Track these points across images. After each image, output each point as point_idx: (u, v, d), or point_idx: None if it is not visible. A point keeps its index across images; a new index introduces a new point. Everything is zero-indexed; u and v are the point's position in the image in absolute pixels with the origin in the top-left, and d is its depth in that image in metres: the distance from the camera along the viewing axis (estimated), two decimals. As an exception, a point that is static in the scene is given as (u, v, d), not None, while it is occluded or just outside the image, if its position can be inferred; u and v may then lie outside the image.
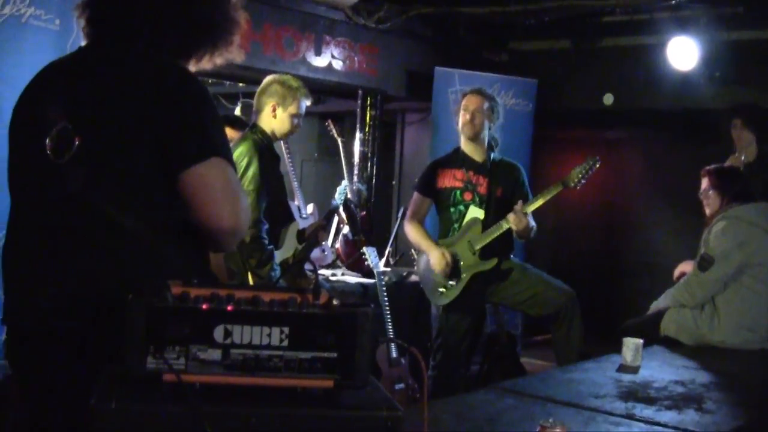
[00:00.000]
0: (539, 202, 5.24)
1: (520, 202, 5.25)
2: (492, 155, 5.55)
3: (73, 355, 2.07)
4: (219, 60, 2.37)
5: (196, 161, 2.06)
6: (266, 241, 4.63)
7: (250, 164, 4.56)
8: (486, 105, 5.47)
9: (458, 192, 5.51)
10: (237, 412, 1.68)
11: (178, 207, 2.11)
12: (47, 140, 2.10)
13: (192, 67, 2.33)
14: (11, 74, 4.11)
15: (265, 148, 4.73)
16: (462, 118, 5.50)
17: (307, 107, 4.90)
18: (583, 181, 5.24)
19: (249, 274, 4.54)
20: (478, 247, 5.38)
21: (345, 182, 7.23)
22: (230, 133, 5.45)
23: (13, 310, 2.20)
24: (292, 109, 4.78)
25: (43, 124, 2.12)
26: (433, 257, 5.43)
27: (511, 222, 5.22)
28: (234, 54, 2.37)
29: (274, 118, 4.78)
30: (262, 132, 4.78)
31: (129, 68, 2.15)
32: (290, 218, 5.06)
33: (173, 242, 2.14)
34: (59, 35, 4.49)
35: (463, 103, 5.52)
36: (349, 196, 7.03)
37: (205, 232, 2.15)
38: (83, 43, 2.32)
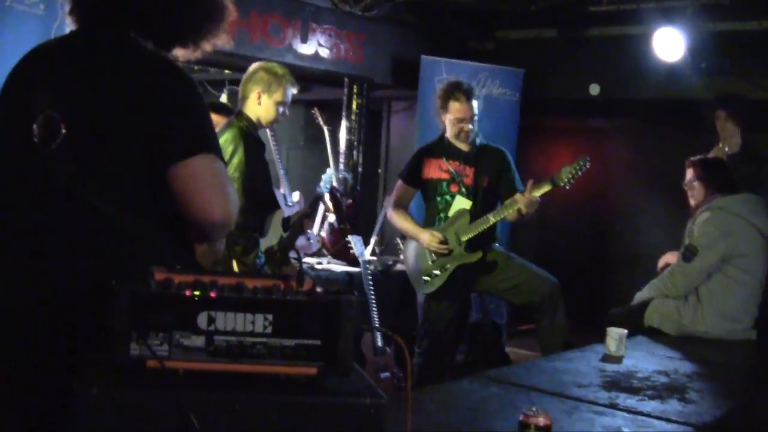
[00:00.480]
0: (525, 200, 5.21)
1: (530, 183, 5.19)
2: (478, 141, 5.53)
3: (59, 344, 2.06)
4: (207, 47, 2.35)
5: (186, 156, 2.07)
6: (251, 229, 4.62)
7: (235, 152, 4.54)
8: (475, 105, 5.43)
9: (444, 183, 5.50)
10: (221, 399, 1.68)
11: (164, 198, 2.10)
12: (34, 128, 2.08)
13: (181, 54, 2.32)
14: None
15: (250, 135, 4.71)
16: (455, 127, 5.42)
17: (293, 95, 4.88)
18: (572, 181, 5.21)
19: (234, 261, 4.53)
20: (464, 239, 5.38)
21: (330, 170, 7.20)
22: (216, 119, 5.42)
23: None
24: (277, 96, 4.76)
25: (29, 112, 2.11)
26: (425, 239, 5.42)
27: (522, 204, 5.16)
28: (222, 40, 2.36)
29: (259, 106, 4.76)
30: (248, 119, 4.76)
31: (119, 58, 2.14)
32: (275, 206, 5.05)
33: (159, 232, 2.14)
34: (44, 20, 4.46)
35: (454, 114, 5.40)
36: (334, 184, 7.02)
37: (194, 224, 2.16)
38: (69, 28, 2.30)
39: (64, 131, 2.05)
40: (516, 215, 5.27)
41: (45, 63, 2.22)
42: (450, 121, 5.45)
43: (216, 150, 2.16)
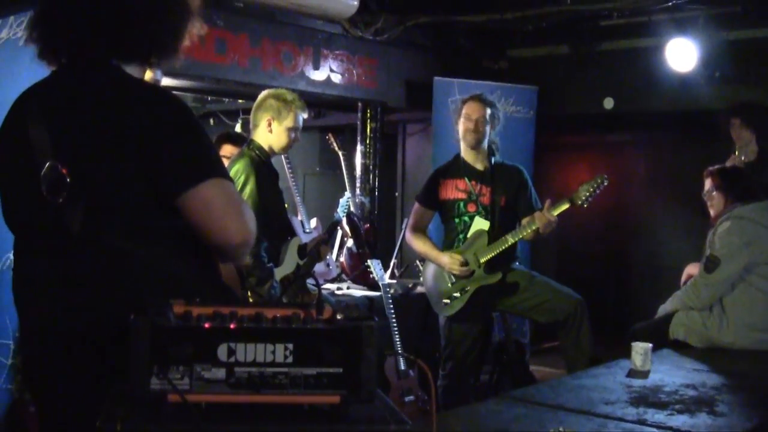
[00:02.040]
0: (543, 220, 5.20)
1: (547, 202, 5.20)
2: (493, 160, 5.53)
3: (88, 379, 2.07)
4: (187, 43, 2.31)
5: (195, 183, 2.06)
6: (265, 259, 4.60)
7: (247, 181, 4.53)
8: (488, 112, 5.45)
9: (462, 204, 5.49)
10: (243, 431, 1.66)
11: (182, 227, 2.10)
12: (41, 181, 2.07)
13: (165, 64, 2.30)
14: (8, 97, 4.08)
15: (262, 164, 4.71)
16: (464, 125, 5.46)
17: (304, 120, 4.88)
18: (590, 199, 5.20)
19: (249, 292, 4.51)
20: (483, 260, 5.35)
21: (347, 195, 7.20)
22: (231, 149, 5.43)
23: (29, 335, 2.20)
24: (287, 122, 4.75)
25: (31, 161, 2.09)
26: (445, 262, 5.40)
27: (537, 222, 5.17)
28: (197, 27, 2.32)
29: (270, 133, 4.77)
30: (259, 148, 4.76)
31: (112, 94, 2.12)
32: (290, 234, 5.04)
33: (182, 262, 2.13)
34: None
35: (465, 111, 5.47)
36: (351, 208, 7.01)
37: (215, 249, 2.15)
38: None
39: (68, 180, 2.05)
40: (533, 234, 5.26)
41: (40, 106, 2.18)
42: (461, 123, 5.46)
43: (223, 173, 2.13)
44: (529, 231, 5.23)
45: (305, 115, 4.87)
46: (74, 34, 2.18)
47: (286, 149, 4.90)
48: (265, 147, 4.77)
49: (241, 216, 2.13)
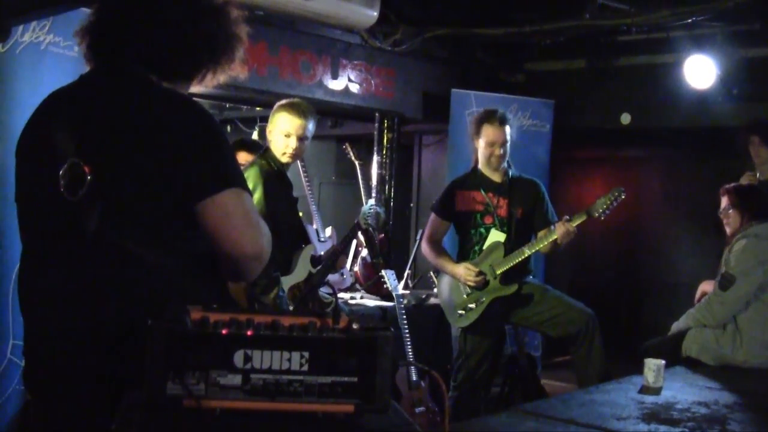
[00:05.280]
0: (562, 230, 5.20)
1: (564, 217, 5.21)
2: (510, 173, 5.52)
3: (92, 384, 2.07)
4: (222, 77, 2.37)
5: (214, 192, 2.08)
6: (272, 267, 4.58)
7: (254, 190, 4.52)
8: (508, 131, 5.42)
9: (478, 215, 5.48)
10: (257, 438, 1.68)
11: (194, 237, 2.11)
12: (60, 178, 2.10)
13: (197, 86, 2.34)
14: (31, 101, 4.11)
15: (272, 173, 4.67)
16: (487, 150, 5.41)
17: (326, 129, 4.86)
18: (607, 212, 5.21)
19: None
20: (499, 271, 5.35)
21: (371, 202, 7.19)
22: (246, 157, 5.44)
23: (33, 340, 2.20)
24: (277, 126, 4.70)
25: (52, 160, 2.12)
26: (460, 273, 5.40)
27: (558, 235, 5.17)
28: (237, 70, 2.37)
29: (270, 142, 4.77)
30: (272, 157, 4.74)
31: (139, 100, 2.15)
32: (305, 241, 5.03)
33: (191, 272, 2.14)
34: (78, 62, 4.47)
35: (486, 135, 5.41)
36: (369, 220, 7.01)
37: (228, 261, 2.15)
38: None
39: (89, 177, 2.07)
40: (550, 246, 5.26)
41: (66, 107, 2.23)
42: (482, 145, 5.44)
43: (242, 184, 2.16)
44: (547, 242, 5.23)
45: (298, 120, 4.70)
46: (116, 41, 2.24)
47: (288, 157, 4.75)
48: (277, 155, 4.76)
49: (257, 228, 2.15)
